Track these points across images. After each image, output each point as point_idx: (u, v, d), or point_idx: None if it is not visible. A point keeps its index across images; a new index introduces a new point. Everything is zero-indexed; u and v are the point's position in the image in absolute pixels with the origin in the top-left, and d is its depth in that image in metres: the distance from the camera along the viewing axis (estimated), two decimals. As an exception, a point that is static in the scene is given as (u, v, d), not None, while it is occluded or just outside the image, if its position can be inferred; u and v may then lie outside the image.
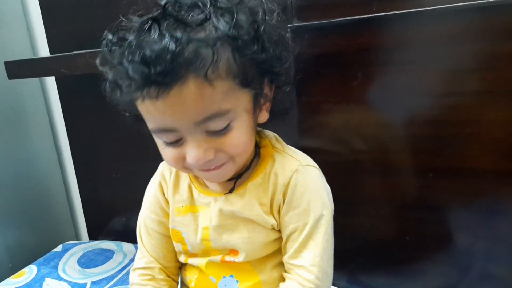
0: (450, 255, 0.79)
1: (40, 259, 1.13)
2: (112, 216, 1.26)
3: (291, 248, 0.57)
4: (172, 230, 0.63)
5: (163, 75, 0.43)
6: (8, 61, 1.06)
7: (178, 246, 0.64)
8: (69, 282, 1.01)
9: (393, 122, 0.77)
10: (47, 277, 1.04)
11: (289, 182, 0.56)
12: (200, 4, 0.47)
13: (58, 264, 1.10)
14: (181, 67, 0.43)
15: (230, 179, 0.57)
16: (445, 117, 0.73)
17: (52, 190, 1.35)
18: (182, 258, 0.65)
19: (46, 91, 1.32)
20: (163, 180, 0.64)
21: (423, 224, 0.80)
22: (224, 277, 0.61)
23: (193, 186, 0.62)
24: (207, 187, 0.61)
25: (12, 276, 1.05)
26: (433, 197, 0.78)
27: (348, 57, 0.77)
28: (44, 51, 1.25)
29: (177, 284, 0.68)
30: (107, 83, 0.50)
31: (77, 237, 1.45)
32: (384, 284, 0.88)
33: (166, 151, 0.52)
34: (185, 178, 0.63)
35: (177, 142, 0.50)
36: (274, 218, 0.57)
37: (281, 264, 0.60)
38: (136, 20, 0.47)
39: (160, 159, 0.57)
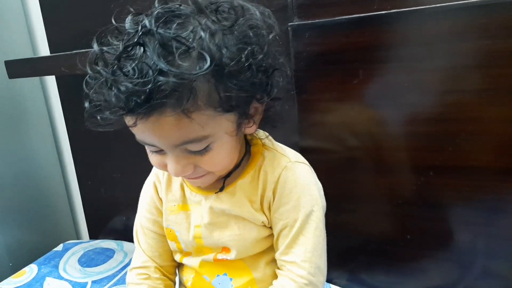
0: (451, 253, 0.79)
1: (41, 259, 1.13)
2: (113, 215, 1.26)
3: (282, 244, 0.57)
4: (166, 229, 0.64)
5: (140, 107, 0.42)
6: (8, 60, 1.06)
7: (172, 245, 0.65)
8: (69, 281, 1.01)
9: (394, 120, 0.77)
10: (48, 276, 1.04)
11: (278, 179, 0.56)
12: (191, 20, 0.46)
13: (58, 263, 1.10)
14: (158, 101, 0.42)
15: (219, 178, 0.58)
16: (447, 114, 0.72)
17: (53, 189, 1.35)
18: (177, 257, 0.65)
19: (47, 90, 1.32)
20: (157, 180, 0.65)
21: (424, 222, 0.80)
22: (218, 275, 0.62)
23: (185, 185, 0.62)
24: (199, 185, 0.62)
25: (13, 275, 1.05)
26: (434, 195, 0.77)
27: (349, 55, 0.77)
28: (44, 50, 1.25)
29: (174, 283, 0.69)
30: (88, 101, 0.49)
31: (77, 236, 1.45)
32: (385, 282, 0.88)
33: (151, 157, 0.54)
34: (177, 177, 0.63)
35: (160, 151, 0.51)
36: (265, 215, 0.58)
37: (274, 261, 0.60)
38: (129, 29, 0.46)
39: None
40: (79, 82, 0.50)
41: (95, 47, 0.48)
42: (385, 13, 0.72)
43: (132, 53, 0.44)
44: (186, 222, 0.61)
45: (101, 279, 1.02)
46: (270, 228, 0.59)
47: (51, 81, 1.29)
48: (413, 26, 0.71)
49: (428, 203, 0.78)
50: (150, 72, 0.41)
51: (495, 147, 0.71)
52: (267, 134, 0.62)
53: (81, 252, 1.15)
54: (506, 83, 0.67)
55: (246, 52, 0.46)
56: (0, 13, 1.17)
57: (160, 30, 0.43)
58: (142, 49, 0.43)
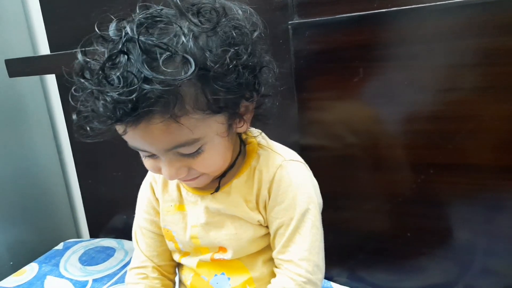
0: (451, 251, 0.79)
1: (41, 257, 1.13)
2: (113, 213, 1.26)
3: (278, 243, 0.57)
4: (164, 229, 0.64)
5: (128, 115, 0.42)
6: (8, 59, 1.06)
7: (170, 245, 0.65)
8: (70, 280, 1.01)
9: (394, 118, 0.77)
10: (49, 275, 1.04)
11: (273, 178, 0.56)
12: (173, 25, 0.45)
13: (59, 262, 1.10)
14: (145, 109, 0.42)
15: (214, 178, 0.58)
16: (446, 112, 0.73)
17: (53, 188, 1.35)
18: (176, 257, 0.66)
19: (47, 89, 1.32)
20: (153, 181, 0.65)
21: (424, 220, 0.80)
22: (215, 275, 0.62)
23: (181, 186, 0.62)
24: (195, 186, 0.62)
25: (14, 274, 1.06)
26: (434, 193, 0.78)
27: (349, 53, 0.77)
28: (44, 48, 1.25)
29: (173, 282, 0.69)
30: (76, 113, 0.49)
31: (78, 235, 1.45)
32: (385, 280, 0.88)
33: (145, 161, 0.54)
34: None
35: (153, 155, 0.51)
36: (261, 214, 0.58)
37: (272, 260, 0.60)
38: (113, 36, 0.46)
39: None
40: (80, 81, 0.50)
41: (80, 57, 0.47)
42: (385, 11, 0.72)
43: (117, 61, 0.43)
44: (183, 222, 0.62)
45: (101, 278, 1.02)
46: (267, 227, 0.59)
47: (51, 80, 1.29)
48: (412, 24, 0.71)
49: (428, 201, 0.79)
50: (135, 80, 0.41)
51: (494, 145, 0.71)
52: (260, 131, 0.62)
53: (82, 251, 1.15)
54: (505, 81, 0.67)
55: (230, 54, 0.45)
56: (0, 11, 1.17)
57: (142, 38, 0.43)
58: (126, 57, 0.42)
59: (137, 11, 0.48)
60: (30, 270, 1.06)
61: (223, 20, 0.47)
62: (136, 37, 0.43)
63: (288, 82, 0.83)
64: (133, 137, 0.47)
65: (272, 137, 0.63)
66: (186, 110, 0.45)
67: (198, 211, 0.60)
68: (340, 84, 0.80)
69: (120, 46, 0.43)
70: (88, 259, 1.11)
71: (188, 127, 0.45)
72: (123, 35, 0.44)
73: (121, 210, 1.24)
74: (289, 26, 0.80)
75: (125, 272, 1.03)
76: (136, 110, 0.42)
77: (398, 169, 0.80)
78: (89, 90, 0.45)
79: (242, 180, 0.58)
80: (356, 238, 0.88)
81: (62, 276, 1.03)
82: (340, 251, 0.89)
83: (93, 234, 1.33)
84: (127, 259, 1.10)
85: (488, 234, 0.75)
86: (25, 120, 1.25)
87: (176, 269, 0.70)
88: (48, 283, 1.00)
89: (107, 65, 0.43)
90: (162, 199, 0.64)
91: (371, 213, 0.85)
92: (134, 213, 0.68)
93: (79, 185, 1.31)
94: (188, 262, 0.64)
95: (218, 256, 0.60)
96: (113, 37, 0.46)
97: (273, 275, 0.59)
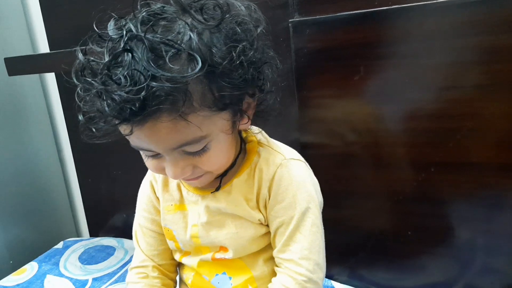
0: (452, 249, 0.79)
1: (41, 256, 1.13)
2: (113, 212, 1.26)
3: (279, 242, 0.57)
4: (164, 228, 0.64)
5: (135, 115, 0.42)
6: (8, 58, 1.06)
7: (171, 244, 0.65)
8: (70, 279, 1.01)
9: (395, 116, 0.77)
10: (49, 273, 1.04)
11: (273, 177, 0.56)
12: (176, 22, 0.45)
13: (59, 261, 1.10)
14: (152, 107, 0.42)
15: (216, 177, 0.58)
16: (447, 110, 0.72)
17: (53, 187, 1.35)
18: (177, 256, 0.66)
19: (46, 88, 1.32)
20: (154, 180, 0.65)
21: (425, 218, 0.80)
22: (216, 274, 0.62)
23: (181, 185, 0.62)
24: (196, 186, 0.61)
25: (13, 273, 1.06)
26: (435, 191, 0.78)
27: (349, 51, 0.77)
28: (44, 47, 1.25)
29: (174, 281, 0.69)
30: (82, 114, 0.49)
31: (78, 234, 1.45)
32: (385, 278, 0.88)
33: (148, 162, 0.54)
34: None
35: (157, 155, 0.51)
36: (261, 213, 0.58)
37: (273, 258, 0.60)
38: (113, 34, 0.46)
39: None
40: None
41: (80, 56, 0.46)
42: (385, 9, 0.72)
43: (120, 60, 0.43)
44: (183, 222, 0.61)
45: (101, 277, 1.02)
46: (267, 226, 0.59)
47: (50, 78, 1.29)
48: (413, 22, 0.71)
49: (429, 199, 0.79)
50: (142, 78, 0.41)
51: (495, 143, 0.71)
52: (260, 129, 0.62)
53: (82, 250, 1.15)
54: (506, 79, 0.67)
55: (237, 50, 0.45)
56: (0, 10, 1.16)
57: (148, 35, 0.42)
58: (130, 55, 0.42)
59: (138, 9, 0.47)
60: (30, 269, 1.06)
61: (227, 16, 0.47)
62: (142, 34, 0.42)
63: (289, 80, 0.83)
64: (139, 137, 0.47)
65: (273, 135, 0.63)
66: (194, 107, 0.44)
67: (198, 210, 0.60)
68: (340, 82, 0.80)
69: (122, 45, 0.43)
70: (88, 258, 1.11)
71: (195, 124, 0.45)
72: (124, 33, 0.43)
73: (121, 209, 1.24)
74: (290, 24, 0.80)
75: (125, 271, 1.03)
76: (144, 108, 0.41)
77: (399, 167, 0.79)
78: (94, 90, 0.44)
79: (242, 179, 0.58)
80: (357, 236, 0.88)
81: (62, 275, 1.03)
82: (340, 249, 0.89)
83: (93, 233, 1.33)
84: (127, 258, 1.10)
85: (488, 233, 0.75)
86: (25, 119, 1.25)
87: (177, 268, 0.69)
88: (48, 282, 1.00)
89: (111, 64, 0.43)
90: (162, 198, 0.63)
91: (372, 211, 0.85)
92: (134, 212, 0.68)
93: (79, 183, 1.31)
94: (189, 261, 0.63)
95: (219, 255, 0.60)
96: (113, 36, 0.46)
97: (274, 273, 0.59)
